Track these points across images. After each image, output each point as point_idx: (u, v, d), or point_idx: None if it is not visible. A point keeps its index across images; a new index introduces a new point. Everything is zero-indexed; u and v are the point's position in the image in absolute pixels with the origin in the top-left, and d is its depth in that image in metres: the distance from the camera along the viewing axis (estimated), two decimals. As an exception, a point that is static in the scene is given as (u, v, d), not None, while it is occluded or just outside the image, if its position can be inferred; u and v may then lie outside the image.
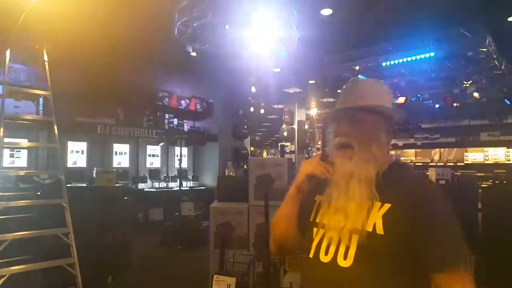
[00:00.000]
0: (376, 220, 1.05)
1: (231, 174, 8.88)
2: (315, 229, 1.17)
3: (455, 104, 9.55)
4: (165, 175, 10.15)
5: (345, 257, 1.05)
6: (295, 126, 11.91)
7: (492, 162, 10.10)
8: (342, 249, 1.07)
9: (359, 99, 1.17)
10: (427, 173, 5.22)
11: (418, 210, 1.04)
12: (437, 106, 10.08)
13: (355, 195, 1.08)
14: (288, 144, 11.83)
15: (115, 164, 9.06)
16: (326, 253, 1.09)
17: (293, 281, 2.20)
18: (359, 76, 8.40)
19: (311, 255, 1.14)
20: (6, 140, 3.43)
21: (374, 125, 1.15)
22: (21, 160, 7.38)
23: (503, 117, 9.97)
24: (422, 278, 1.05)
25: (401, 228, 1.03)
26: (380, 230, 1.04)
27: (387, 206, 1.06)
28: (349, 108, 1.17)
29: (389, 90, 1.25)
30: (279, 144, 11.96)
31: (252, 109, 10.58)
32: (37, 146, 7.02)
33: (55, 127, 3.71)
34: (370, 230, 1.04)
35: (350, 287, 1.04)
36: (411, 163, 9.30)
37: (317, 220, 1.18)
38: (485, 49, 6.47)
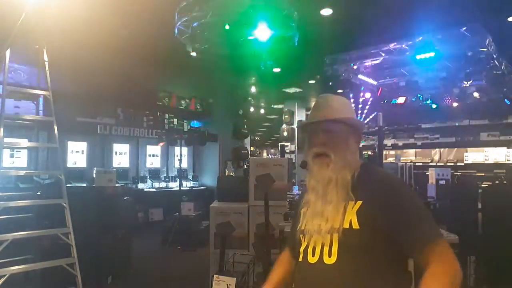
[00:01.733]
0: (351, 217, 1.16)
1: (231, 174, 8.88)
2: (301, 236, 1.28)
3: (455, 104, 9.55)
4: (165, 175, 10.15)
5: (329, 255, 1.16)
6: (295, 126, 11.90)
7: (492, 162, 10.10)
8: (326, 249, 1.18)
9: (330, 113, 1.31)
10: (426, 172, 5.23)
11: (385, 200, 1.15)
12: (434, 106, 10.07)
13: (333, 198, 1.21)
14: (288, 144, 11.83)
15: (115, 164, 9.05)
16: (313, 254, 1.20)
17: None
18: (359, 76, 8.41)
19: (300, 259, 1.25)
20: (6, 140, 3.43)
21: (345, 134, 1.30)
22: (21, 160, 7.38)
23: (503, 117, 9.96)
24: (403, 268, 1.19)
25: (374, 220, 1.14)
26: (355, 225, 1.15)
27: (359, 203, 1.18)
28: (323, 121, 1.30)
29: (351, 104, 1.45)
30: (279, 144, 11.95)
31: (252, 109, 10.58)
32: (37, 146, 7.02)
33: (55, 127, 3.71)
34: (347, 226, 1.16)
35: (337, 281, 1.14)
36: (411, 163, 9.28)
37: (302, 228, 1.29)
38: (485, 49, 6.46)
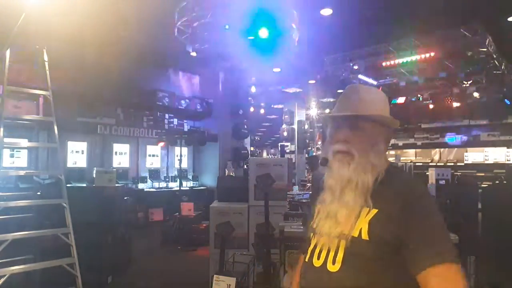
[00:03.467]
0: (362, 226, 1.07)
1: (231, 174, 8.88)
2: (311, 235, 1.21)
3: (455, 104, 9.55)
4: (165, 175, 10.15)
5: (333, 262, 1.09)
6: (295, 126, 11.91)
7: (492, 162, 10.10)
8: (331, 254, 1.10)
9: (359, 107, 1.17)
10: (426, 172, 5.21)
11: (401, 213, 1.04)
12: (431, 106, 10.07)
13: (349, 202, 1.10)
14: (288, 144, 11.84)
15: (115, 164, 9.05)
16: (319, 257, 1.13)
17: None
18: (359, 76, 8.42)
19: (306, 259, 1.20)
20: (6, 140, 3.42)
21: (374, 134, 1.16)
22: (21, 160, 7.38)
23: (503, 117, 9.97)
24: (411, 284, 1.05)
25: (385, 233, 1.04)
26: (365, 235, 1.05)
27: (374, 211, 1.07)
28: (351, 116, 1.16)
29: (386, 97, 1.26)
30: (279, 144, 11.96)
31: (252, 109, 10.58)
32: (37, 146, 7.02)
33: (55, 127, 3.71)
34: (356, 235, 1.07)
35: None
36: (411, 163, 9.29)
37: (314, 226, 1.22)
38: (485, 49, 6.47)
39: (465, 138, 10.63)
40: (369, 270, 1.04)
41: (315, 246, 1.17)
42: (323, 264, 1.10)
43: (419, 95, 9.80)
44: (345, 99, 1.23)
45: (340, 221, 1.10)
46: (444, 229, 1.06)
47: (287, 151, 11.53)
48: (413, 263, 1.02)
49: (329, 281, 1.08)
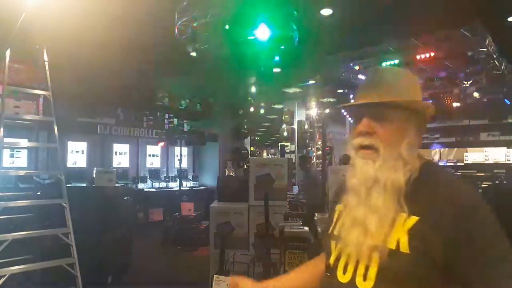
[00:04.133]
0: (400, 236, 0.89)
1: (231, 174, 8.88)
2: (333, 243, 1.04)
3: (455, 104, 9.55)
4: (165, 175, 10.15)
5: (364, 278, 0.92)
6: (295, 126, 11.91)
7: (492, 162, 10.11)
8: (361, 269, 0.93)
9: (384, 93, 0.98)
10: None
11: (453, 224, 0.86)
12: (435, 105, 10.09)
13: (378, 206, 0.92)
14: (288, 144, 11.84)
15: (115, 164, 9.05)
16: (345, 271, 0.96)
17: None
18: (359, 76, 8.40)
19: (328, 273, 1.03)
20: (6, 140, 3.43)
21: (403, 124, 0.97)
22: (21, 160, 7.38)
23: (503, 117, 9.97)
24: None
25: (430, 246, 0.86)
26: (404, 247, 0.88)
27: (414, 219, 0.89)
28: (373, 103, 0.98)
29: (417, 80, 1.07)
30: (279, 144, 11.97)
31: (252, 109, 10.58)
32: (37, 146, 7.02)
33: (55, 127, 3.71)
34: (393, 247, 0.89)
35: None
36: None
37: (335, 233, 1.05)
38: (485, 49, 6.47)
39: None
40: None
41: (338, 258, 1.00)
42: (351, 281, 0.93)
43: (419, 95, 9.79)
44: (367, 84, 1.05)
45: (371, 230, 0.92)
46: (507, 243, 0.86)
47: (287, 151, 11.53)
48: (477, 284, 0.85)
49: None
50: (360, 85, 1.08)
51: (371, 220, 0.92)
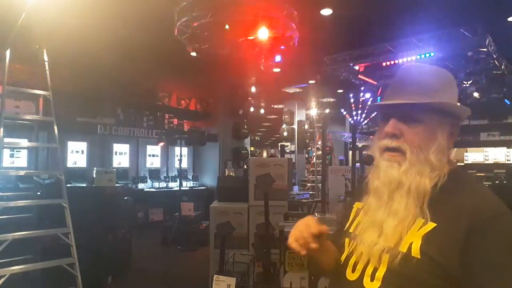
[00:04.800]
0: (414, 240, 0.86)
1: (231, 174, 8.88)
2: (347, 240, 1.02)
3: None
4: (165, 175, 10.15)
5: (372, 278, 0.90)
6: (295, 126, 11.91)
7: (492, 162, 10.12)
8: (370, 269, 0.91)
9: (415, 93, 0.93)
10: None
11: (468, 237, 0.81)
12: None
13: (399, 210, 0.89)
14: (288, 144, 11.84)
15: (115, 164, 9.05)
16: (353, 270, 0.96)
17: (293, 281, 2.20)
18: (359, 76, 8.41)
19: (338, 269, 1.03)
20: (6, 140, 3.43)
21: (433, 127, 0.93)
22: (21, 160, 7.38)
23: (503, 117, 9.98)
24: None
25: (444, 257, 0.82)
26: (416, 252, 0.85)
27: (431, 225, 0.86)
28: (401, 104, 0.94)
29: (453, 80, 0.99)
30: (279, 144, 11.96)
31: (252, 109, 10.58)
32: (37, 146, 7.02)
33: (55, 127, 3.71)
34: (404, 251, 0.86)
35: None
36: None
37: (350, 230, 1.03)
38: (485, 49, 6.47)
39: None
40: None
41: (349, 255, 0.99)
42: (359, 279, 0.92)
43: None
44: (398, 83, 0.99)
45: (387, 232, 0.90)
46: None
47: (287, 151, 11.53)
48: None
49: None
50: (391, 84, 1.03)
51: (389, 224, 0.90)
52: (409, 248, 0.86)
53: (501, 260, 0.80)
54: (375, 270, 0.90)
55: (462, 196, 0.88)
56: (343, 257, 1.01)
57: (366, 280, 0.91)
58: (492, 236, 0.81)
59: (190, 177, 10.62)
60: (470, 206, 0.84)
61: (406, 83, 0.97)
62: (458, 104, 0.96)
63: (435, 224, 0.85)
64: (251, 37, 4.76)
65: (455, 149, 11.00)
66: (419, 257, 0.84)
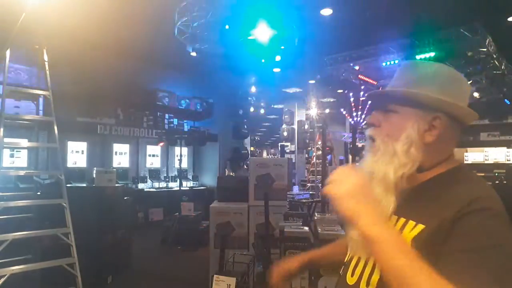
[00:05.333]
0: None
1: (231, 174, 8.88)
2: (349, 242, 1.01)
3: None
4: (165, 175, 10.15)
5: (367, 284, 0.89)
6: (295, 126, 11.92)
7: (492, 162, 10.11)
8: (366, 273, 0.90)
9: (399, 84, 0.94)
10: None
11: (454, 225, 0.77)
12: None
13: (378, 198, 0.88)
14: (288, 144, 11.84)
15: (115, 164, 9.05)
16: (353, 274, 0.95)
17: (293, 281, 2.20)
18: (359, 76, 8.42)
19: (341, 272, 1.02)
20: (6, 140, 3.43)
21: (407, 118, 0.91)
22: (21, 160, 7.38)
23: (503, 117, 9.97)
24: None
25: (433, 258, 0.76)
26: None
27: (420, 227, 0.82)
28: (377, 93, 0.97)
29: (453, 75, 0.95)
30: (279, 144, 11.97)
31: (252, 109, 10.59)
32: (37, 146, 7.02)
33: (55, 127, 3.71)
34: None
35: None
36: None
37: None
38: (485, 49, 6.48)
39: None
40: None
41: (351, 258, 0.98)
42: (356, 284, 0.91)
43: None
44: (394, 78, 1.00)
45: None
46: (496, 269, 0.71)
47: (287, 151, 11.54)
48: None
49: None
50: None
51: None
52: None
53: (471, 246, 0.74)
54: (370, 275, 0.89)
55: (452, 199, 0.82)
56: (346, 259, 1.01)
57: (363, 285, 0.90)
58: (471, 224, 0.76)
59: (190, 177, 10.62)
60: (457, 199, 0.80)
61: (397, 77, 0.98)
62: (442, 98, 0.89)
63: (424, 226, 0.82)
64: (251, 37, 4.76)
65: (455, 149, 11.00)
66: None
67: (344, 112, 11.34)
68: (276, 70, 7.51)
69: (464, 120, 0.94)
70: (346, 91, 9.85)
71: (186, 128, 10.38)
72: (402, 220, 0.87)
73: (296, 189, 7.30)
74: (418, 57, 6.74)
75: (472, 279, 0.70)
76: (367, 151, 0.96)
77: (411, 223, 0.85)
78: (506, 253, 0.73)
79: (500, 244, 0.73)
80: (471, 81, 8.13)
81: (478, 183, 0.87)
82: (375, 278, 0.87)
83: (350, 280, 0.94)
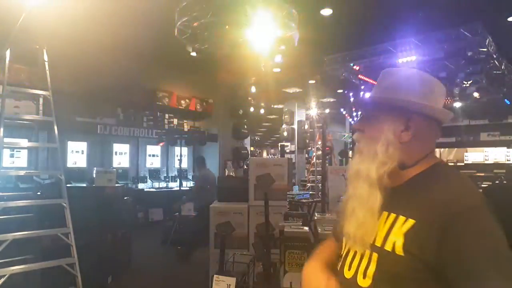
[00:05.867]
0: (396, 239, 0.90)
1: (231, 174, 8.88)
2: (344, 238, 1.08)
3: (455, 104, 9.55)
4: (165, 175, 10.15)
5: (364, 276, 0.95)
6: (295, 126, 11.92)
7: (492, 162, 10.10)
8: (363, 266, 0.96)
9: (378, 92, 1.06)
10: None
11: (444, 231, 0.84)
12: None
13: (363, 195, 0.97)
14: (288, 144, 11.84)
15: (115, 164, 9.05)
16: (350, 267, 1.01)
17: (293, 281, 2.20)
18: (359, 76, 8.41)
19: (338, 267, 1.07)
20: (6, 140, 3.43)
21: (384, 122, 1.00)
22: (21, 160, 7.38)
23: (503, 117, 9.97)
24: None
25: (425, 250, 0.85)
26: (399, 250, 0.89)
27: (411, 222, 0.89)
28: (359, 102, 1.15)
29: (425, 79, 1.03)
30: (279, 144, 11.97)
31: (252, 109, 10.59)
32: (37, 146, 7.02)
33: (55, 127, 3.71)
34: (390, 249, 0.91)
35: None
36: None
37: (342, 225, 1.08)
38: (485, 49, 6.47)
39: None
40: None
41: (347, 253, 1.04)
42: (354, 277, 0.98)
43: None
44: (374, 86, 1.11)
45: (361, 220, 0.96)
46: (499, 258, 0.80)
47: (287, 151, 11.54)
48: None
49: None
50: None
51: (359, 210, 0.97)
52: (393, 247, 0.90)
53: (472, 249, 0.82)
54: (367, 268, 0.95)
55: (437, 192, 0.90)
56: (343, 253, 1.07)
57: (360, 278, 0.96)
58: (464, 229, 0.82)
59: (190, 177, 10.62)
60: (441, 201, 0.88)
61: (377, 85, 1.09)
62: (412, 100, 0.99)
63: (414, 221, 0.89)
64: (250, 37, 4.76)
65: (455, 149, 11.00)
66: (403, 254, 0.88)
67: (344, 112, 11.34)
68: (276, 70, 7.51)
69: (439, 119, 1.02)
70: (346, 91, 9.84)
71: (186, 128, 10.38)
72: (393, 215, 0.94)
73: (296, 189, 7.30)
74: (418, 57, 6.74)
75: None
76: (354, 153, 1.08)
77: (402, 218, 0.92)
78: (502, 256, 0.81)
79: (490, 231, 0.84)
80: (471, 81, 8.13)
81: (458, 179, 0.96)
82: (371, 270, 0.93)
83: (347, 274, 1.00)
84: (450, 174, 0.98)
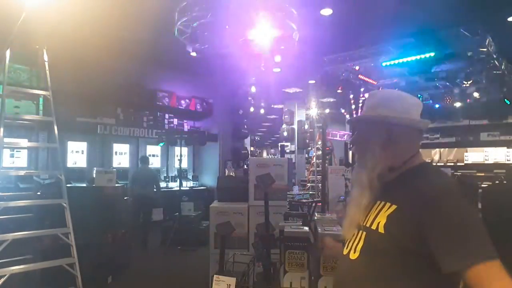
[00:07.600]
0: (381, 220, 1.12)
1: (231, 174, 8.88)
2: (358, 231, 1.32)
3: (455, 104, 9.55)
4: (165, 175, 10.15)
5: (354, 251, 1.18)
6: (295, 126, 11.91)
7: (492, 162, 10.10)
8: (355, 243, 1.20)
9: (365, 111, 1.29)
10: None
11: (419, 212, 1.03)
12: (437, 106, 10.07)
13: (355, 196, 1.24)
14: (288, 144, 11.84)
15: (115, 164, 9.04)
16: (347, 246, 1.25)
17: (293, 281, 2.19)
18: (359, 76, 8.41)
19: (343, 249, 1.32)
20: (6, 140, 3.43)
21: (371, 135, 1.23)
22: (21, 160, 7.37)
23: (503, 117, 9.96)
24: (428, 279, 1.04)
25: (402, 231, 1.06)
26: (381, 229, 1.11)
27: (393, 207, 1.12)
28: (352, 120, 1.38)
29: (400, 96, 1.27)
30: (279, 144, 11.97)
31: (252, 109, 10.58)
32: (37, 146, 7.02)
33: (55, 127, 3.71)
34: (374, 228, 1.13)
35: (354, 277, 1.16)
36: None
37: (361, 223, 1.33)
38: (485, 49, 6.47)
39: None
40: (380, 262, 1.10)
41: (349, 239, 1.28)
42: (348, 253, 1.22)
43: (419, 95, 9.79)
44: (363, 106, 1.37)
45: (351, 215, 1.24)
46: (474, 226, 0.99)
47: (287, 151, 11.53)
48: (446, 269, 0.97)
49: (349, 267, 1.19)
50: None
51: (352, 207, 1.24)
52: (377, 226, 1.12)
53: (453, 221, 0.99)
54: (357, 244, 1.19)
55: (414, 185, 1.11)
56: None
57: (351, 252, 1.20)
58: (443, 208, 1.01)
59: (190, 177, 10.61)
60: (419, 189, 1.08)
61: (364, 105, 1.33)
62: (390, 115, 1.21)
63: (396, 206, 1.11)
64: (251, 37, 4.76)
65: (455, 149, 10.98)
66: (383, 232, 1.10)
67: (344, 112, 11.33)
68: (276, 70, 7.50)
69: (416, 127, 1.25)
70: (346, 91, 9.84)
71: (186, 128, 10.38)
72: (383, 203, 1.16)
73: (296, 189, 7.30)
74: (418, 57, 6.74)
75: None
76: (355, 164, 1.34)
77: (388, 204, 1.14)
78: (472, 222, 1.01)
79: (456, 208, 1.02)
80: (471, 81, 8.12)
81: (436, 174, 1.17)
82: (360, 245, 1.17)
83: (345, 251, 1.25)
84: (431, 170, 1.20)
